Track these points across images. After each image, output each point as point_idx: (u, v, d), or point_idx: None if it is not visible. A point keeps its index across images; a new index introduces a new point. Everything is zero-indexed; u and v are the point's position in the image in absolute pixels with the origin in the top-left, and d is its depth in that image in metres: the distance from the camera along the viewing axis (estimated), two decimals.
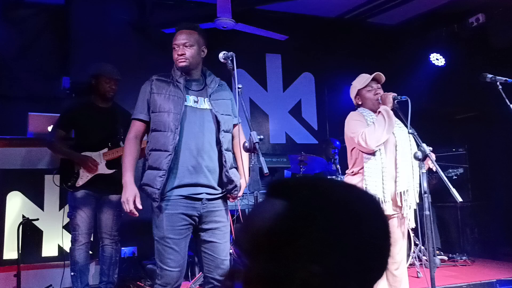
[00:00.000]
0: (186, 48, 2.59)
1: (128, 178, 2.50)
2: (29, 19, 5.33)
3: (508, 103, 2.92)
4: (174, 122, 2.48)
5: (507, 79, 3.02)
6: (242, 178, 2.71)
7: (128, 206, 2.44)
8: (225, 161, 2.58)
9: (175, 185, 2.49)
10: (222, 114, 2.61)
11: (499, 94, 2.98)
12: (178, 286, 2.50)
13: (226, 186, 2.60)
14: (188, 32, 2.63)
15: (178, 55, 2.59)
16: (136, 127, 2.62)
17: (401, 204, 2.79)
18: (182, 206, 2.48)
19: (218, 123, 2.59)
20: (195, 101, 2.60)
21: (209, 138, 2.57)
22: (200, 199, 2.52)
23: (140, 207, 2.47)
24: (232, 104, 2.59)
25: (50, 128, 4.32)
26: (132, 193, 2.46)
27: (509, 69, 3.64)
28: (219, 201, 2.60)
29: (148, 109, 2.58)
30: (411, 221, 2.83)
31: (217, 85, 2.69)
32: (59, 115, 3.96)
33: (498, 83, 3.01)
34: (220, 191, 2.60)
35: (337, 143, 5.55)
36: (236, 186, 2.61)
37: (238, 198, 2.68)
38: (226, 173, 2.57)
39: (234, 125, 2.72)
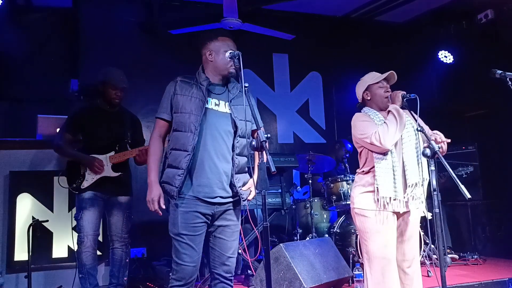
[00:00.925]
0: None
1: (153, 178, 2.60)
2: (38, 23, 5.37)
3: None
4: (194, 123, 2.57)
5: None
6: (251, 180, 2.73)
7: (153, 206, 2.55)
8: (235, 166, 2.64)
9: (192, 184, 2.57)
10: (241, 120, 2.68)
11: (509, 90, 2.94)
12: (192, 281, 2.59)
13: (232, 189, 2.65)
14: None
15: (232, 61, 2.66)
16: (160, 126, 2.70)
17: (410, 197, 2.78)
18: (197, 205, 2.57)
19: (236, 127, 2.66)
20: (216, 104, 2.68)
21: (226, 141, 2.65)
22: (214, 203, 2.60)
23: (164, 207, 2.57)
24: (252, 110, 2.55)
25: (58, 130, 4.35)
26: (157, 193, 2.56)
27: None
28: (231, 201, 2.66)
29: (171, 109, 2.66)
30: (426, 213, 2.81)
31: (238, 91, 2.76)
32: (66, 117, 3.99)
33: (508, 79, 2.97)
34: (231, 194, 2.65)
35: (350, 145, 5.53)
36: (237, 192, 2.64)
37: (247, 200, 2.72)
38: (232, 176, 2.64)
39: (253, 131, 2.76)
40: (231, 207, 2.68)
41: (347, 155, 5.46)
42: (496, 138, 5.78)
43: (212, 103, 2.67)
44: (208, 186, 2.58)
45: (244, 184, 2.69)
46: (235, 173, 2.64)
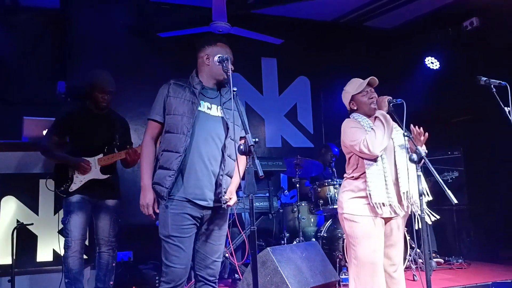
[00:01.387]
0: (232, 64, 2.66)
1: (146, 182, 2.61)
2: (25, 24, 5.33)
3: (502, 106, 2.92)
4: (186, 125, 2.59)
5: (501, 82, 3.02)
6: (233, 184, 2.73)
7: (148, 211, 2.58)
8: (224, 166, 2.64)
9: (182, 186, 2.58)
10: (232, 123, 2.68)
11: (493, 97, 2.99)
12: (182, 283, 2.58)
13: (217, 191, 2.63)
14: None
15: (226, 68, 2.63)
16: (152, 128, 2.71)
17: (406, 204, 2.79)
18: (187, 207, 2.57)
19: (227, 130, 2.68)
20: (208, 108, 2.70)
21: (218, 144, 2.66)
22: (204, 206, 2.60)
23: (158, 211, 2.59)
24: (241, 117, 2.56)
25: (44, 132, 4.31)
26: (151, 197, 2.58)
27: (503, 72, 3.66)
28: (220, 205, 2.65)
29: (164, 111, 2.68)
30: (427, 218, 2.82)
31: (230, 96, 2.73)
32: (53, 119, 3.95)
33: (492, 86, 3.02)
34: (218, 196, 2.63)
35: (336, 149, 5.59)
36: (221, 193, 2.62)
37: (229, 205, 2.68)
38: (220, 176, 2.64)
39: (241, 138, 2.75)
40: (219, 211, 2.69)
41: (334, 159, 5.51)
42: (481, 144, 5.86)
43: (204, 107, 2.68)
44: (199, 188, 2.58)
45: (227, 187, 2.68)
46: (224, 174, 2.64)
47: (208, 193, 2.61)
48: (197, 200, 2.58)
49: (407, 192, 2.77)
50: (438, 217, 2.81)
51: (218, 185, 2.63)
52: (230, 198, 2.68)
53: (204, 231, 2.66)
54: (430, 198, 2.84)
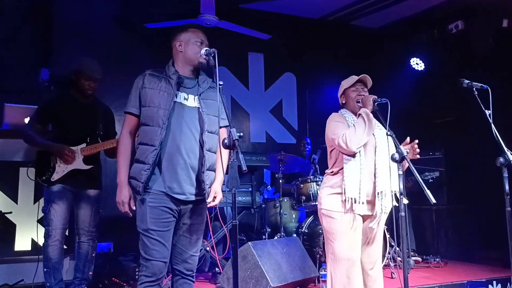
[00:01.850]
0: (205, 46, 2.66)
1: (123, 178, 2.55)
2: (8, 9, 5.21)
3: (483, 109, 2.98)
4: (162, 117, 2.52)
5: (483, 85, 3.07)
6: (217, 182, 2.69)
7: (124, 208, 2.52)
8: (204, 162, 2.58)
9: (160, 180, 2.52)
10: (209, 115, 2.63)
11: (475, 99, 3.04)
12: (163, 277, 2.55)
13: (200, 186, 2.60)
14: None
15: (201, 51, 2.62)
16: (129, 121, 2.65)
17: (380, 204, 2.82)
18: (165, 200, 2.52)
19: (204, 122, 2.61)
20: (185, 98, 2.63)
21: (195, 136, 2.60)
22: (182, 200, 2.56)
23: (134, 208, 2.54)
24: (220, 107, 2.49)
25: (26, 120, 4.25)
26: (127, 194, 2.53)
27: (486, 75, 3.72)
28: (198, 199, 2.61)
29: (140, 103, 2.61)
30: (381, 222, 2.87)
31: (208, 86, 2.73)
32: (36, 107, 3.89)
33: (474, 89, 3.07)
34: (199, 191, 2.60)
35: (308, 140, 5.81)
36: (205, 189, 2.59)
37: (215, 205, 2.65)
38: (202, 173, 2.59)
39: (221, 127, 2.70)
40: (199, 205, 2.64)
41: (307, 148, 5.75)
42: (462, 145, 5.95)
43: (181, 97, 2.62)
44: (176, 181, 2.53)
45: (211, 183, 2.64)
46: (206, 170, 2.59)
47: (186, 187, 2.55)
48: (175, 194, 2.53)
49: (382, 192, 2.81)
50: (383, 225, 2.86)
51: (200, 181, 2.58)
52: (215, 197, 2.63)
53: (182, 225, 2.62)
54: (406, 201, 2.86)
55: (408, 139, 2.92)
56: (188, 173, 2.56)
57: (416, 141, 2.90)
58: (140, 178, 2.50)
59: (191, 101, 2.65)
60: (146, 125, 2.56)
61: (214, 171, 2.69)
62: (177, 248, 2.63)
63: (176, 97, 2.59)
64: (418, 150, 2.91)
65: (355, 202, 2.78)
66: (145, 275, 2.50)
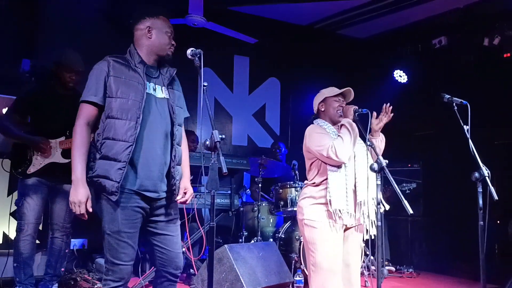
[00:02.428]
0: (173, 39, 2.55)
1: (81, 176, 2.30)
2: None
3: (462, 124, 3.03)
4: (136, 110, 2.33)
5: (462, 101, 3.13)
6: (186, 178, 2.61)
7: (80, 209, 2.28)
8: (175, 156, 2.47)
9: (132, 177, 2.34)
10: (177, 106, 2.54)
11: (454, 114, 3.10)
12: (129, 279, 2.39)
13: (170, 182, 2.48)
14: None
15: (173, 44, 2.54)
16: (89, 112, 2.36)
17: (360, 213, 2.84)
18: (137, 199, 2.36)
19: (174, 114, 2.50)
20: (153, 89, 2.48)
21: (166, 129, 2.47)
22: (153, 198, 2.42)
23: (91, 210, 2.31)
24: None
25: (4, 111, 4.16)
26: (85, 193, 2.29)
27: (466, 91, 3.80)
28: (169, 195, 2.50)
29: (104, 93, 2.35)
30: (369, 231, 2.88)
31: (170, 76, 2.60)
32: (15, 98, 3.82)
33: (454, 104, 3.13)
34: (168, 187, 2.49)
35: (281, 145, 5.96)
36: (175, 185, 2.48)
37: (184, 199, 2.55)
38: (172, 168, 2.47)
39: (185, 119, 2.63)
40: (171, 201, 2.50)
41: (278, 151, 5.88)
42: (440, 159, 6.06)
43: (150, 88, 2.45)
44: (150, 179, 2.38)
45: (180, 178, 2.54)
46: (176, 165, 2.47)
47: (159, 184, 2.42)
48: (147, 192, 2.37)
49: (362, 201, 2.83)
50: (374, 232, 2.87)
51: (171, 177, 2.46)
52: (185, 193, 2.54)
53: (157, 223, 2.46)
54: (387, 207, 2.90)
55: (375, 113, 2.96)
56: (161, 169, 2.43)
57: (387, 104, 2.94)
58: (114, 177, 2.28)
59: (159, 91, 2.50)
60: (115, 118, 2.32)
61: (180, 166, 2.57)
62: (160, 248, 2.46)
63: (147, 88, 2.43)
64: (390, 109, 2.96)
65: (341, 213, 2.78)
66: (112, 279, 2.31)
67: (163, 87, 2.53)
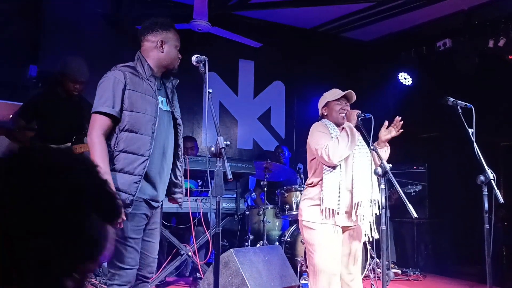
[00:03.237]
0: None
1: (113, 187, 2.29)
2: None
3: (466, 127, 3.04)
4: (151, 125, 2.37)
5: (467, 104, 3.14)
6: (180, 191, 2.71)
7: (121, 217, 2.22)
8: (181, 166, 2.58)
9: (141, 187, 2.38)
10: (180, 118, 2.62)
11: (459, 117, 3.10)
12: (134, 283, 2.44)
13: (173, 188, 2.59)
14: None
15: (179, 58, 2.57)
16: (104, 123, 2.32)
17: (358, 215, 2.86)
18: (143, 207, 2.42)
19: (179, 126, 2.58)
20: (160, 102, 2.50)
21: (171, 141, 2.54)
22: (153, 206, 2.49)
23: (124, 219, 2.28)
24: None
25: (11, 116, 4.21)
26: (121, 203, 2.27)
27: (471, 94, 3.80)
28: (159, 205, 2.59)
29: (122, 105, 2.34)
30: (368, 234, 2.89)
31: (173, 88, 2.65)
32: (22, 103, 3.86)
33: (458, 107, 3.14)
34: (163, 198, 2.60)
35: (284, 148, 6.01)
36: (182, 193, 2.62)
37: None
38: (180, 177, 2.58)
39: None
40: (158, 209, 2.56)
41: (282, 155, 5.88)
42: (445, 160, 6.05)
43: (159, 102, 2.48)
44: (155, 189, 2.46)
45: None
46: (181, 174, 2.58)
47: (161, 195, 2.51)
48: (152, 201, 2.45)
49: (358, 203, 2.84)
50: (377, 236, 2.88)
51: (178, 186, 2.59)
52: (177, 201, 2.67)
53: (146, 231, 2.50)
54: (378, 213, 2.90)
55: (386, 122, 2.96)
56: (165, 180, 2.52)
57: (398, 118, 2.95)
58: (130, 191, 2.31)
59: (164, 104, 2.52)
60: (133, 132, 2.34)
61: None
62: (142, 254, 2.49)
63: (158, 103, 2.47)
64: (401, 124, 2.95)
65: (332, 213, 2.81)
66: (118, 284, 2.35)
67: (166, 100, 2.56)
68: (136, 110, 2.35)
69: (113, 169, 2.32)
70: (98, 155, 2.26)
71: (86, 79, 3.73)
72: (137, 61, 2.51)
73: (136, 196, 2.35)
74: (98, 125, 2.31)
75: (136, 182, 2.31)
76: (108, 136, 2.36)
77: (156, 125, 2.39)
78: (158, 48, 2.49)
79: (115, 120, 2.34)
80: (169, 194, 2.62)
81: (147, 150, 2.35)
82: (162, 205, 2.60)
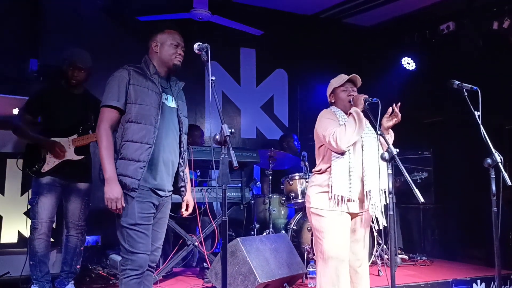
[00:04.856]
0: (182, 50, 2.73)
1: (113, 174, 2.48)
2: None
3: (473, 110, 3.01)
4: (154, 116, 2.56)
5: (472, 86, 3.10)
6: (189, 191, 2.90)
7: (118, 204, 2.46)
8: (183, 162, 2.76)
9: (146, 176, 2.56)
10: (184, 116, 2.79)
11: (464, 100, 3.07)
12: (145, 269, 2.58)
13: (179, 184, 2.77)
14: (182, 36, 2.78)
15: (179, 54, 2.72)
16: (111, 116, 2.56)
17: (368, 202, 2.84)
18: (151, 195, 2.59)
19: (182, 124, 2.75)
20: (165, 98, 2.69)
21: (175, 136, 2.72)
22: (161, 196, 2.67)
23: (124, 205, 2.50)
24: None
25: (15, 111, 4.20)
26: (120, 191, 2.47)
27: (475, 77, 3.75)
28: (169, 195, 2.77)
29: (126, 99, 2.56)
30: (380, 221, 2.86)
31: (179, 88, 2.84)
32: (26, 98, 3.85)
33: (464, 90, 3.10)
34: (172, 189, 2.77)
35: (295, 136, 5.96)
36: (184, 187, 2.80)
37: (187, 213, 2.89)
38: (181, 172, 2.75)
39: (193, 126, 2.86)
40: (168, 200, 2.76)
41: (296, 144, 5.84)
42: (450, 145, 6.01)
43: (163, 97, 2.67)
44: (160, 178, 2.62)
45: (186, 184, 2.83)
46: (184, 169, 2.76)
47: (167, 184, 2.67)
48: (158, 190, 2.62)
49: (369, 191, 2.82)
50: (385, 224, 2.86)
51: (180, 180, 2.76)
52: (187, 205, 2.86)
53: (154, 220, 2.67)
54: (385, 202, 2.87)
55: (390, 109, 2.94)
56: (169, 170, 2.67)
57: (397, 104, 2.94)
58: (135, 175, 2.50)
59: (170, 101, 2.73)
60: (136, 123, 2.55)
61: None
62: None
63: (161, 97, 2.65)
64: (398, 113, 2.93)
65: (341, 200, 2.79)
66: (131, 268, 2.51)
67: (173, 97, 2.76)
68: (140, 102, 2.56)
69: (121, 158, 2.54)
70: (104, 145, 2.51)
71: (86, 67, 3.72)
72: (143, 63, 2.74)
73: (141, 184, 2.53)
74: (105, 118, 2.56)
75: (141, 168, 2.51)
76: (115, 128, 2.60)
77: (159, 116, 2.58)
78: (155, 51, 2.73)
79: (121, 112, 2.57)
80: (174, 187, 2.78)
81: (150, 138, 2.54)
82: (171, 196, 2.78)
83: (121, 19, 5.68)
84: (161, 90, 2.64)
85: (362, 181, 2.85)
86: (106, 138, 2.52)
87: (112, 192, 2.45)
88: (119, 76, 2.59)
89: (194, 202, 2.96)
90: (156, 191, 2.61)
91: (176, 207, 3.07)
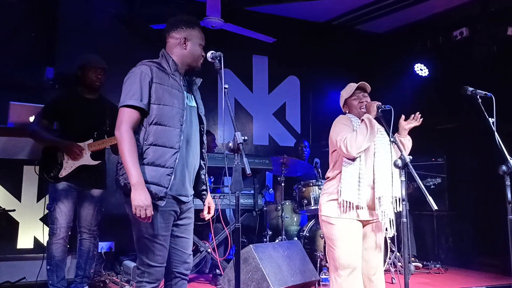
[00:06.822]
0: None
1: (139, 179, 2.23)
2: (14, 7, 5.24)
3: (487, 117, 2.99)
4: (179, 118, 2.37)
5: (486, 93, 3.08)
6: (209, 193, 2.71)
7: (148, 212, 2.22)
8: (204, 164, 2.59)
9: (172, 183, 2.37)
10: (204, 115, 2.61)
11: (478, 107, 3.05)
12: (162, 279, 2.46)
13: (200, 187, 2.61)
14: None
15: (203, 56, 2.55)
16: (133, 117, 2.31)
17: (380, 210, 2.83)
18: (172, 203, 2.40)
19: (203, 123, 2.59)
20: (186, 97, 2.50)
21: (197, 137, 2.55)
22: (184, 202, 2.49)
23: (152, 213, 2.26)
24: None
25: (31, 118, 4.27)
26: (149, 197, 2.24)
27: (489, 83, 3.73)
28: (191, 199, 2.58)
29: (149, 99, 2.34)
30: (388, 230, 2.85)
31: (198, 85, 2.66)
32: (42, 105, 3.91)
33: (478, 97, 3.08)
34: (193, 192, 2.61)
35: (306, 143, 5.96)
36: (206, 190, 2.64)
37: (210, 216, 2.68)
38: (203, 175, 2.58)
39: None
40: (191, 205, 2.57)
41: (306, 150, 5.85)
42: (464, 152, 5.96)
43: (185, 97, 2.49)
44: (183, 184, 2.44)
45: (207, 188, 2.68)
46: (206, 172, 2.60)
47: (189, 189, 2.50)
48: (181, 196, 2.43)
49: (380, 197, 2.81)
50: (394, 232, 2.84)
51: (201, 183, 2.59)
52: (209, 208, 2.65)
53: (180, 226, 2.50)
54: (397, 210, 2.86)
55: (403, 116, 2.99)
56: (191, 175, 2.51)
57: (417, 113, 2.99)
58: (163, 183, 2.30)
59: (190, 100, 2.54)
60: (162, 125, 2.34)
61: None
62: (176, 251, 2.50)
63: (185, 97, 2.48)
64: (419, 115, 3.00)
65: (350, 206, 2.79)
66: (148, 281, 2.36)
67: (191, 96, 2.57)
68: (164, 103, 2.35)
69: (143, 163, 2.31)
70: (127, 148, 2.25)
71: (105, 66, 3.81)
72: (161, 58, 2.51)
73: (167, 193, 2.33)
74: (126, 118, 2.30)
75: (168, 174, 2.31)
76: (136, 130, 2.35)
77: (184, 117, 2.40)
78: (181, 45, 2.50)
79: (143, 113, 2.34)
80: (195, 191, 2.62)
81: (176, 142, 2.35)
82: (193, 201, 2.57)
83: (134, 28, 5.75)
84: (183, 89, 2.45)
85: (373, 188, 2.84)
86: (128, 141, 2.26)
87: (141, 198, 2.21)
88: (140, 73, 2.35)
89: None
90: (179, 197, 2.42)
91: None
